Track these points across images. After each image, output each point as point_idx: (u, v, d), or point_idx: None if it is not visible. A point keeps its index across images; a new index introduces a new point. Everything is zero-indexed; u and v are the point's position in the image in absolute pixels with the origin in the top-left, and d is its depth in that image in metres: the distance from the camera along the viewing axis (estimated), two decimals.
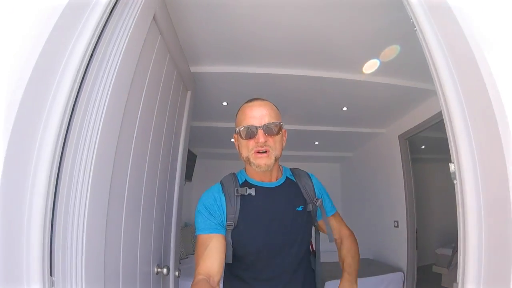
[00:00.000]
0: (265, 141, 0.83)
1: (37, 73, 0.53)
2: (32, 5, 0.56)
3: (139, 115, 1.00)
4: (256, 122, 0.85)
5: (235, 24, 1.55)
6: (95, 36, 0.68)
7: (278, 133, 0.87)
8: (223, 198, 0.88)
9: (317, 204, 0.96)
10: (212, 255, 0.79)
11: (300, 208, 0.94)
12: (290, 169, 1.04)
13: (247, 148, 0.86)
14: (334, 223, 1.05)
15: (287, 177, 0.99)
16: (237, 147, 0.93)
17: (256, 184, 0.92)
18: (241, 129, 0.86)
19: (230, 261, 0.85)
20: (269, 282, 0.89)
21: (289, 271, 0.90)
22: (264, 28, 1.57)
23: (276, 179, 0.96)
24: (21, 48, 0.52)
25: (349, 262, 0.96)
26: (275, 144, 0.86)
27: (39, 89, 0.56)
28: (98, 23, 0.68)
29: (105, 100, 0.72)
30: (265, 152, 0.84)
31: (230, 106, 2.67)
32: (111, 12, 0.76)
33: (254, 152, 0.85)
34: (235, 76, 2.10)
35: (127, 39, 0.81)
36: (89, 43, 0.66)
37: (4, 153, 0.47)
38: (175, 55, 1.38)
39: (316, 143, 4.12)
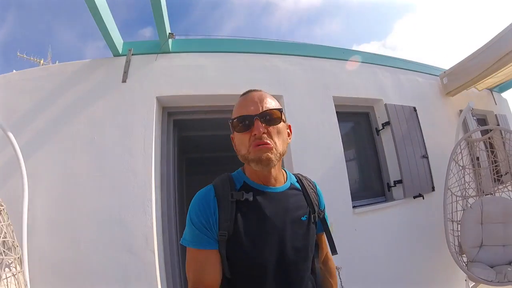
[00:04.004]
0: (263, 132, 0.68)
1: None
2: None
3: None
4: (251, 111, 0.70)
5: None
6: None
7: (279, 122, 0.71)
8: (215, 203, 0.71)
9: (320, 216, 0.84)
10: (210, 271, 0.68)
11: (304, 218, 0.79)
12: (295, 175, 0.88)
13: (244, 144, 0.70)
14: (323, 241, 0.92)
15: (291, 183, 0.83)
16: (235, 150, 0.77)
17: (257, 188, 0.76)
18: (234, 120, 0.71)
19: (229, 275, 0.70)
20: None
21: None
22: None
23: (280, 184, 0.79)
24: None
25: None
26: (277, 136, 0.70)
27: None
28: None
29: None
30: (266, 144, 0.68)
31: None
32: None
33: (252, 146, 0.68)
34: None
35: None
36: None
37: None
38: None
39: None
